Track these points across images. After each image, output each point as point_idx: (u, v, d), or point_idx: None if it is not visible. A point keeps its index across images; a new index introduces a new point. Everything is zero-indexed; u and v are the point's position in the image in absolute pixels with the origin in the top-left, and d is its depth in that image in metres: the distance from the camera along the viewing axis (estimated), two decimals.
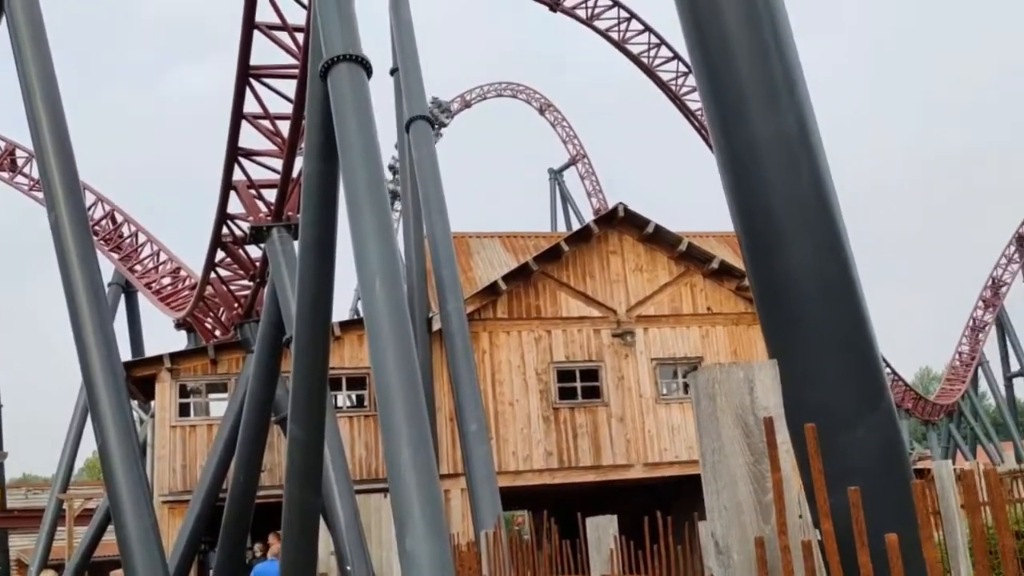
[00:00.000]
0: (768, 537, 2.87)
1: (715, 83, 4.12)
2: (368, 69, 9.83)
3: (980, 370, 52.08)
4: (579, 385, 22.62)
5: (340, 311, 47.88)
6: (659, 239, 23.60)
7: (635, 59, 35.25)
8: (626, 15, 34.43)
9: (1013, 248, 51.76)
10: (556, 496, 25.79)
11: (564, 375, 22.59)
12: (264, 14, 14.69)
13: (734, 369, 3.10)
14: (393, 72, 21.69)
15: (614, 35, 34.68)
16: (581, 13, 33.51)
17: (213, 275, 21.28)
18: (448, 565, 7.10)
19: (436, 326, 20.25)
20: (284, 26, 14.68)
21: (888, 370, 45.45)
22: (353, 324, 21.59)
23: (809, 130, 4.11)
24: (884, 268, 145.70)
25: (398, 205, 32.97)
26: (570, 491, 24.46)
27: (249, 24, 14.89)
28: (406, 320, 8.72)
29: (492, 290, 22.17)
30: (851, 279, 4.03)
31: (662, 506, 11.70)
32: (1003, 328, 52.24)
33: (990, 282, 51.92)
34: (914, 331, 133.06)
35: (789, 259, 3.89)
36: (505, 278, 22.21)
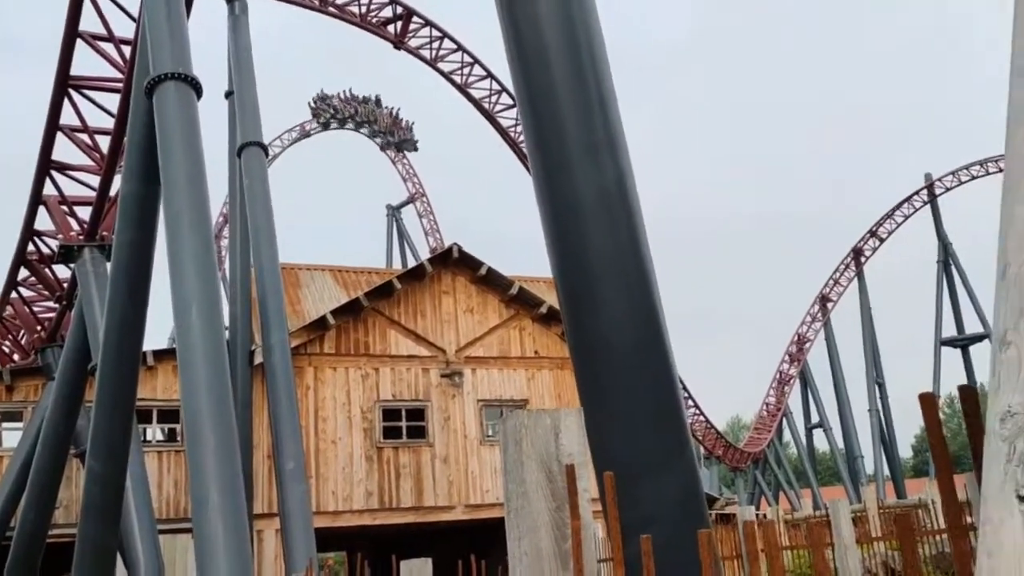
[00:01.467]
0: None
1: (540, 137, 4.22)
2: (198, 90, 9.50)
3: (785, 421, 55.49)
4: (404, 424, 22.41)
5: (157, 339, 45.49)
6: (491, 281, 23.90)
7: (476, 103, 35.85)
8: (469, 60, 35.02)
9: (816, 307, 55.77)
10: (376, 537, 25.30)
11: (390, 414, 22.33)
12: (89, 23, 13.94)
13: (542, 416, 3.15)
14: (228, 95, 21.05)
15: (457, 79, 35.17)
16: (426, 54, 33.80)
17: (14, 295, 19.76)
18: None
19: (259, 359, 19.56)
20: (110, 37, 13.97)
21: (702, 418, 47.66)
22: (169, 353, 20.54)
23: (628, 189, 4.27)
24: (708, 320, 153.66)
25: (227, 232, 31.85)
26: (390, 532, 24.06)
27: (72, 31, 14.08)
28: (222, 350, 8.37)
29: (320, 324, 21.71)
30: (660, 335, 4.20)
31: (483, 548, 11.71)
32: (806, 382, 55.98)
33: (796, 338, 55.65)
34: (728, 381, 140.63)
35: (603, 313, 4.01)
36: (334, 312, 21.81)
